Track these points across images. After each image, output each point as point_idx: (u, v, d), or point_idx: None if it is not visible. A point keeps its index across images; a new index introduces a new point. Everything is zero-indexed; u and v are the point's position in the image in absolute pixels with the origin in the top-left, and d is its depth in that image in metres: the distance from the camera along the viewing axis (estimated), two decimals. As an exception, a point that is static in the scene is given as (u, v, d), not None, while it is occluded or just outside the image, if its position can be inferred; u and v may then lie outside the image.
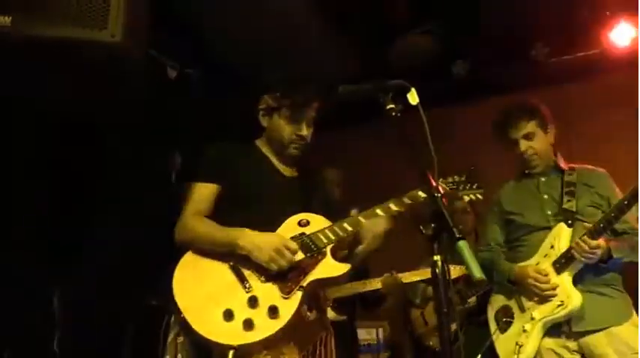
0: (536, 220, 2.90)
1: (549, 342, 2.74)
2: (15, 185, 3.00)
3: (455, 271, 3.29)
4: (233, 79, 3.71)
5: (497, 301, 2.97)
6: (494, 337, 2.89)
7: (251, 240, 2.15)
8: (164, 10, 2.75)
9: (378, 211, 2.26)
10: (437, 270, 1.70)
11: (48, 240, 3.10)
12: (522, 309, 2.83)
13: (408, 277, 3.54)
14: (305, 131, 2.39)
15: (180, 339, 2.17)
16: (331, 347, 2.36)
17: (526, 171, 3.03)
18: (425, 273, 3.52)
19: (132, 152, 3.36)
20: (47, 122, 2.85)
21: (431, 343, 3.79)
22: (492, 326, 2.93)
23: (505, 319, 2.87)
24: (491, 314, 2.97)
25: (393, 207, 2.27)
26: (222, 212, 2.31)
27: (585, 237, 2.66)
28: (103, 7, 1.74)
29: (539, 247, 2.84)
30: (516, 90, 4.64)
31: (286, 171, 2.46)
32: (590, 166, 3.01)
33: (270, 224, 2.26)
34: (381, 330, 4.10)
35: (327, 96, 2.42)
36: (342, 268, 2.21)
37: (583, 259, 2.67)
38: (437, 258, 1.71)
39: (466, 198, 2.39)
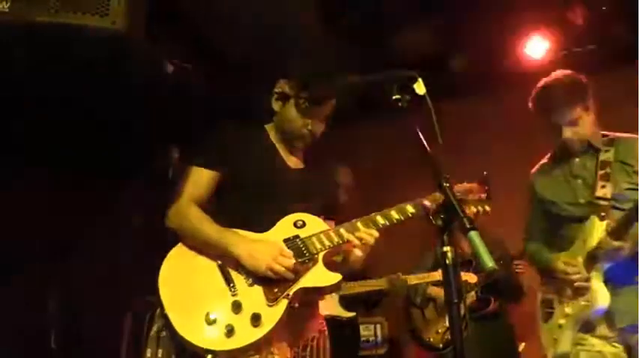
0: (570, 210, 2.72)
1: (589, 339, 2.61)
2: (10, 181, 2.95)
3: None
4: (231, 73, 3.67)
5: (543, 291, 2.84)
6: (540, 324, 2.80)
7: (246, 248, 2.09)
8: (161, 3, 2.70)
9: (379, 219, 2.19)
10: (447, 261, 1.69)
11: (44, 236, 3.05)
12: (560, 302, 2.71)
13: (414, 279, 3.54)
14: (317, 127, 2.32)
15: (163, 334, 2.09)
16: (324, 344, 2.32)
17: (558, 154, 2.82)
18: (430, 277, 3.54)
19: (128, 146, 3.31)
20: (39, 113, 2.78)
21: (431, 339, 3.80)
22: (538, 313, 2.83)
23: (546, 310, 2.77)
24: (537, 303, 2.85)
25: (395, 215, 2.20)
26: (221, 200, 2.25)
27: (607, 237, 2.52)
28: (103, -7, 1.70)
29: (576, 239, 2.68)
30: (512, 87, 4.68)
31: (292, 161, 2.38)
32: (633, 136, 2.70)
33: (268, 217, 2.20)
34: (379, 326, 4.09)
35: (343, 95, 2.35)
36: (332, 278, 2.14)
37: (606, 262, 2.54)
38: (447, 249, 1.69)
39: (474, 210, 2.29)
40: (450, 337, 3.54)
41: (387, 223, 2.19)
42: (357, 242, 2.15)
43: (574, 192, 2.73)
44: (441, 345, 3.71)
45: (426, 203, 2.19)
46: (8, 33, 1.73)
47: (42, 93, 2.24)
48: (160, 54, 2.88)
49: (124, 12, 1.78)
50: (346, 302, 3.55)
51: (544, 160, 2.93)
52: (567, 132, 2.68)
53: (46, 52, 1.88)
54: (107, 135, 3.25)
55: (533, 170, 2.95)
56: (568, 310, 2.65)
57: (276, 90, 2.34)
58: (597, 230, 2.59)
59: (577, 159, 2.76)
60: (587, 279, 2.59)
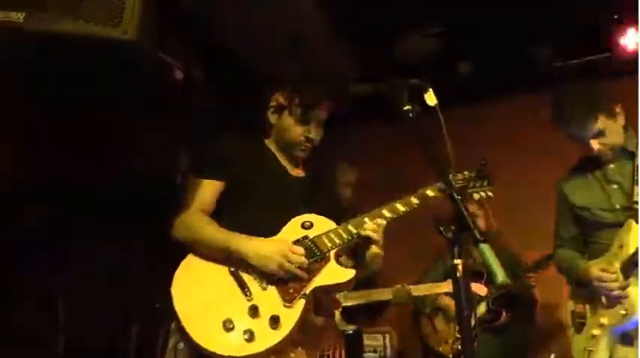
0: (603, 216, 2.64)
1: (625, 351, 2.51)
2: (17, 189, 2.96)
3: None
4: (239, 79, 3.68)
5: (574, 301, 2.74)
6: (569, 335, 2.72)
7: (255, 248, 2.10)
8: (170, 11, 2.72)
9: (385, 212, 2.21)
10: (457, 274, 1.68)
11: (51, 241, 3.06)
12: (593, 312, 2.61)
13: (420, 290, 3.52)
14: (313, 133, 2.34)
15: (181, 346, 2.07)
16: (341, 354, 2.32)
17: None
18: (438, 288, 3.52)
19: (137, 152, 3.33)
20: (50, 119, 2.80)
21: (441, 349, 3.77)
22: (568, 322, 2.74)
23: (578, 320, 2.67)
24: (567, 312, 2.76)
25: (400, 207, 2.22)
26: (224, 210, 2.26)
27: None
28: (117, 3, 1.72)
29: (610, 245, 2.58)
30: (521, 92, 4.66)
31: (294, 170, 2.41)
32: None
33: (272, 225, 2.21)
34: (387, 336, 4.07)
35: (338, 97, 2.36)
36: (347, 274, 2.15)
37: None
38: (458, 261, 1.68)
39: (476, 196, 2.32)
40: (459, 347, 3.53)
41: (394, 215, 2.20)
42: (370, 233, 2.15)
43: (609, 198, 2.65)
44: (450, 355, 3.69)
45: (429, 193, 2.22)
46: (22, 43, 1.74)
47: (54, 103, 2.25)
48: (170, 61, 2.89)
49: (136, 22, 1.79)
50: (348, 311, 3.52)
51: (573, 166, 2.85)
52: (595, 145, 2.61)
53: (58, 61, 1.89)
54: (117, 144, 3.27)
55: (563, 177, 2.87)
56: (603, 320, 2.55)
57: (271, 103, 2.38)
58: (635, 234, 2.49)
59: (612, 166, 2.69)
60: (625, 287, 2.50)
